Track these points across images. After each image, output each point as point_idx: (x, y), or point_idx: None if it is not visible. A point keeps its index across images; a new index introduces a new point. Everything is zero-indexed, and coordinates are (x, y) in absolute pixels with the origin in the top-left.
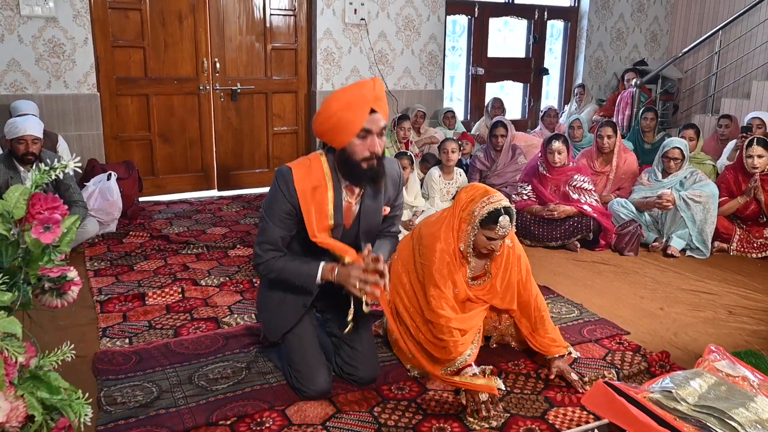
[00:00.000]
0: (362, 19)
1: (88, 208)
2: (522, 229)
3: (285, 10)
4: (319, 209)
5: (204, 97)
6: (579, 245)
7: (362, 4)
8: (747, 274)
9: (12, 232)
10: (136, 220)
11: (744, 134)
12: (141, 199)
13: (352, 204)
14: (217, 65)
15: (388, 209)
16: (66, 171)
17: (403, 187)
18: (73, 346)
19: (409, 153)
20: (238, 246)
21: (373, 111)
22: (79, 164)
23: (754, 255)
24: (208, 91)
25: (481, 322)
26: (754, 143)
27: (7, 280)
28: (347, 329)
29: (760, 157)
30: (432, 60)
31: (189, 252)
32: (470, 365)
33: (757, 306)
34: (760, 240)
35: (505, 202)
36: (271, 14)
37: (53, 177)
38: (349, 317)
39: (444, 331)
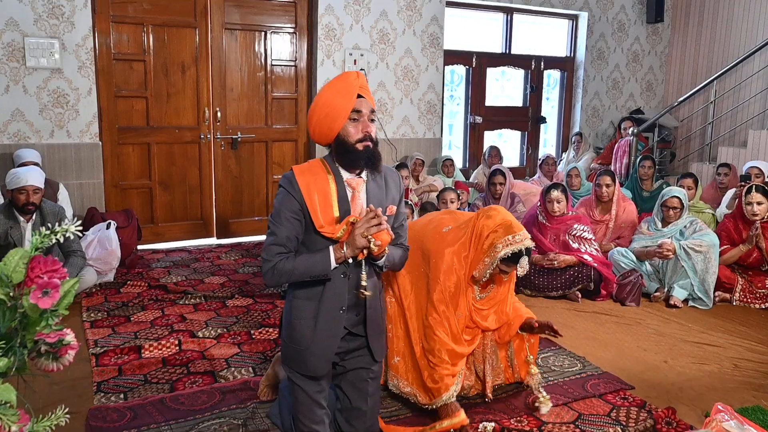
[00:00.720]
0: (362, 69)
1: (86, 257)
2: (522, 278)
3: (286, 60)
4: (323, 200)
5: (204, 146)
6: (580, 295)
7: (362, 55)
8: (751, 325)
9: (10, 296)
10: (135, 269)
11: (743, 182)
12: (139, 247)
13: (357, 196)
14: (218, 114)
15: (393, 208)
16: (66, 234)
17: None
18: (67, 409)
19: (408, 201)
20: (237, 296)
21: (360, 96)
22: (81, 228)
23: (757, 305)
24: (209, 140)
25: (470, 350)
26: (753, 190)
27: (3, 345)
28: (363, 292)
29: (759, 204)
30: (430, 109)
31: (187, 302)
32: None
33: (762, 359)
34: (763, 290)
35: (528, 242)
36: (272, 64)
37: (53, 241)
38: (363, 280)
39: (435, 354)
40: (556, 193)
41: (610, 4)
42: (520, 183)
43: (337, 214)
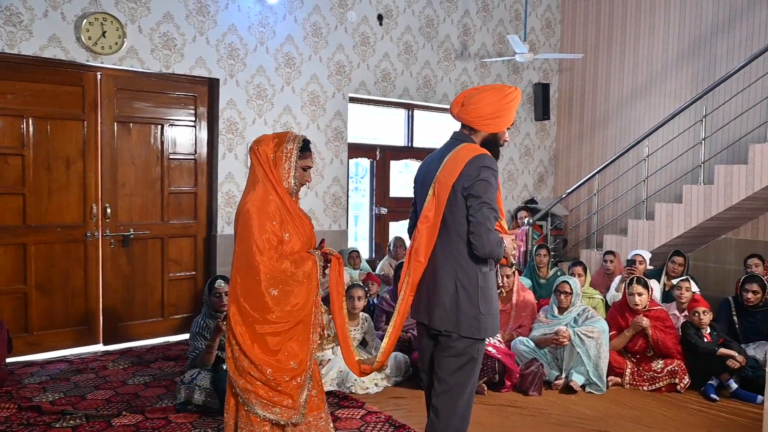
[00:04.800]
0: None
1: None
2: None
3: (185, 154)
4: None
5: (91, 245)
6: (486, 387)
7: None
8: (642, 409)
9: None
10: (2, 388)
11: (629, 267)
12: (9, 360)
13: None
14: (108, 211)
15: None
16: None
17: None
18: None
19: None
20: (125, 413)
21: None
22: None
23: (645, 388)
24: (97, 238)
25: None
26: (634, 282)
27: None
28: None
29: (640, 295)
30: (336, 201)
31: (65, 424)
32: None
33: None
34: (650, 372)
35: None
36: (169, 158)
37: None
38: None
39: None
40: None
41: None
42: None
43: None
